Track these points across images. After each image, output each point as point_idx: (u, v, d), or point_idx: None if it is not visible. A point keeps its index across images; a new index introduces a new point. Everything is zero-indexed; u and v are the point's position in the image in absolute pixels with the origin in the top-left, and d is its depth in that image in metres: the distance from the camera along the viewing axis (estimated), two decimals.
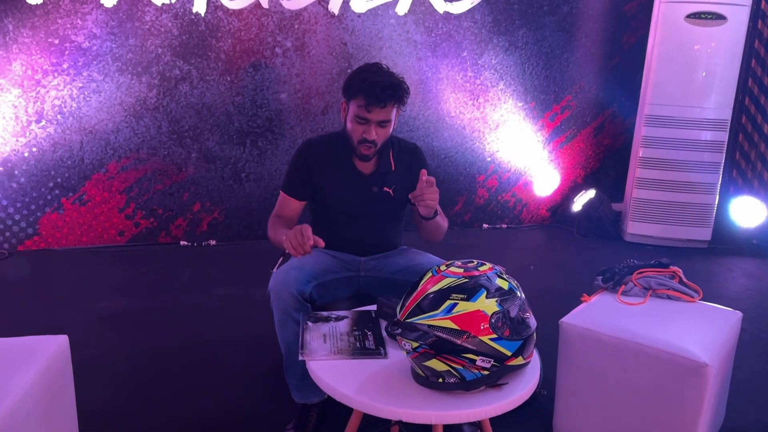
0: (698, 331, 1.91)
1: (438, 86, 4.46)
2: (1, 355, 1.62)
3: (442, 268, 1.48)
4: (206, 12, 3.92)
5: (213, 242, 4.25)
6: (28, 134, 3.85)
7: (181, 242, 4.21)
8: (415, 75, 4.38)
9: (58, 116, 3.87)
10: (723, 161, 4.20)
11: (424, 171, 1.95)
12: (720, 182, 4.22)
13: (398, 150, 2.20)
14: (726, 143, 4.18)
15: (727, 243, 4.33)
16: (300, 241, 1.82)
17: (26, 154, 3.86)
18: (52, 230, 4.00)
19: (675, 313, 2.03)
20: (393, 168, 2.18)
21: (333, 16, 4.12)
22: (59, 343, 1.73)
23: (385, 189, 2.17)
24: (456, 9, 4.32)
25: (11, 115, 3.79)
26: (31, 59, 3.74)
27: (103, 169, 4.00)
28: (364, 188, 2.16)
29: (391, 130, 2.08)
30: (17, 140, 3.84)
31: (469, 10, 4.35)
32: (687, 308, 2.07)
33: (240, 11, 3.96)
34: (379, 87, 1.95)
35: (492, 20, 4.42)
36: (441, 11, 4.30)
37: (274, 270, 2.09)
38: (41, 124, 3.85)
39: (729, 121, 4.14)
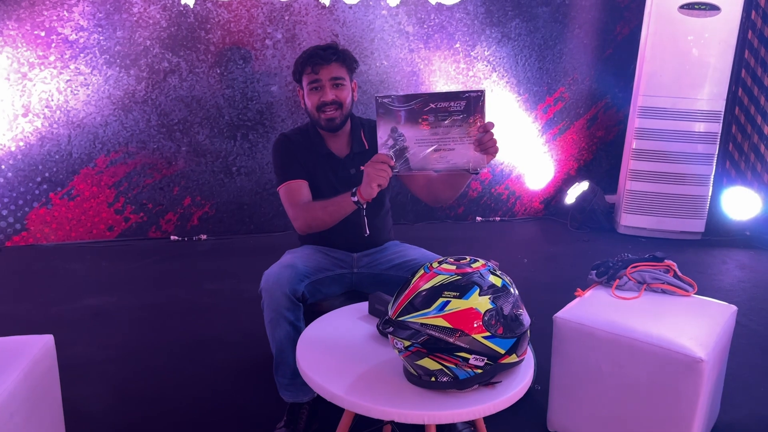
0: (693, 326, 1.89)
1: (430, 78, 4.42)
2: None
3: (435, 265, 1.45)
4: (195, 3, 3.86)
5: (204, 237, 4.21)
6: (14, 128, 3.79)
7: (172, 237, 4.17)
8: (408, 67, 4.35)
9: (45, 110, 3.81)
10: (716, 152, 4.18)
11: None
12: (713, 174, 4.22)
13: (369, 130, 2.20)
14: (719, 134, 4.17)
15: (720, 234, 4.33)
16: (380, 165, 1.78)
17: (13, 149, 3.81)
18: (40, 225, 3.95)
19: (670, 307, 2.01)
20: (367, 147, 2.18)
21: (324, 7, 4.07)
22: (44, 343, 1.69)
23: (362, 168, 2.14)
24: (448, 0, 4.28)
25: None
26: (17, 52, 3.69)
27: (91, 163, 3.95)
28: (342, 171, 2.16)
29: (349, 94, 2.11)
30: (3, 134, 3.78)
31: (462, 1, 4.31)
32: (682, 302, 2.05)
33: (229, 2, 3.91)
34: (320, 50, 2.05)
35: (485, 11, 4.38)
36: (433, 2, 4.26)
37: None
38: (28, 118, 3.80)
39: (722, 113, 4.12)
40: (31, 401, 1.58)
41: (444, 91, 1.59)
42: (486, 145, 1.75)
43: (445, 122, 1.74)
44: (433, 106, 1.72)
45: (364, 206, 1.90)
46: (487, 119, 1.76)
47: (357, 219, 1.95)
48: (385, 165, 1.78)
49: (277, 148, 2.19)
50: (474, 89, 1.72)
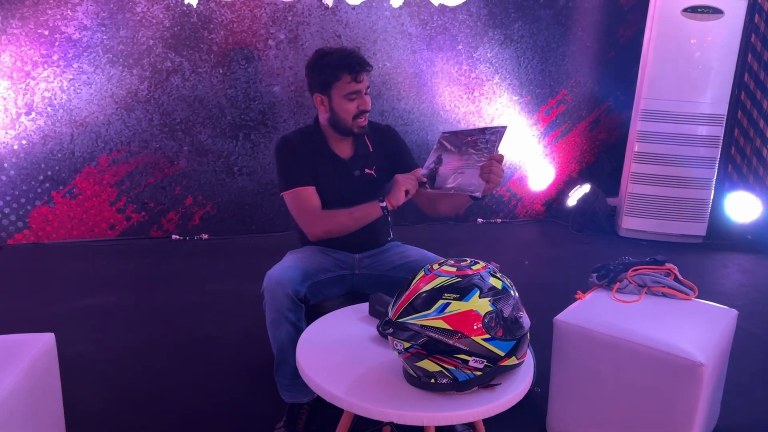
0: (694, 330, 1.89)
1: (433, 80, 4.42)
2: None
3: (435, 266, 1.45)
4: (198, 3, 3.87)
5: (205, 236, 4.21)
6: (17, 126, 3.80)
7: (173, 236, 4.18)
8: (410, 68, 4.35)
9: (48, 108, 3.82)
10: (718, 156, 4.18)
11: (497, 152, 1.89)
12: (715, 177, 4.21)
13: (372, 131, 2.22)
14: (722, 138, 4.16)
15: (722, 238, 4.33)
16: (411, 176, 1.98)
17: (16, 147, 3.82)
18: (42, 224, 3.96)
19: (670, 311, 2.01)
20: (371, 150, 2.20)
21: (327, 8, 4.08)
22: (45, 342, 1.70)
23: (367, 171, 2.19)
24: (451, 1, 4.28)
25: (0, 107, 3.74)
26: (20, 50, 3.69)
27: (94, 162, 3.96)
28: (346, 173, 2.16)
29: None
30: (6, 132, 3.79)
31: (465, 3, 4.32)
32: (682, 306, 2.05)
33: (233, 3, 3.92)
34: (355, 56, 2.03)
35: (488, 13, 4.39)
36: (436, 3, 4.26)
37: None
38: (31, 116, 3.81)
39: (725, 116, 4.12)
40: (31, 399, 1.58)
41: (481, 126, 1.85)
42: (488, 172, 1.84)
43: (472, 151, 1.89)
44: (469, 139, 1.91)
45: (390, 212, 2.02)
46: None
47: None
48: (413, 176, 1.97)
49: (282, 152, 2.15)
50: (499, 126, 1.89)
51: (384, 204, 1.98)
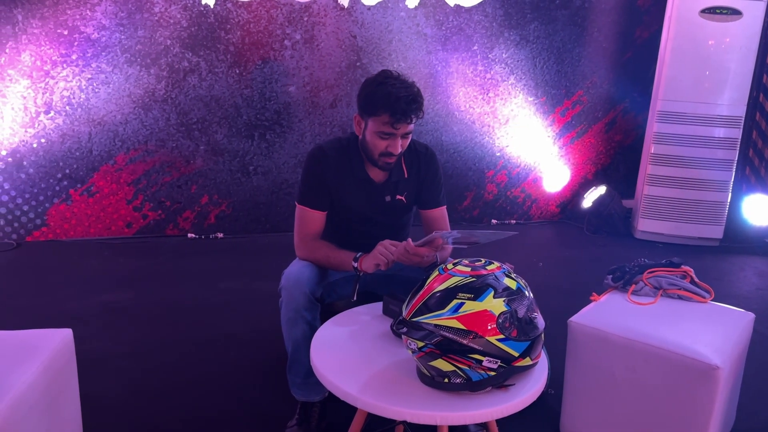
0: (709, 333, 1.87)
1: (448, 80, 4.42)
2: (5, 349, 1.61)
3: (449, 266, 1.46)
4: (215, 3, 3.89)
5: (220, 235, 4.24)
6: (36, 125, 3.85)
7: (189, 234, 4.21)
8: (425, 69, 4.35)
9: (67, 107, 3.86)
10: (736, 158, 4.14)
11: (409, 241, 1.88)
12: (732, 180, 4.17)
13: (410, 155, 2.13)
14: (739, 140, 4.12)
15: (739, 241, 4.29)
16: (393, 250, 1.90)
17: (35, 145, 3.87)
18: (60, 221, 4.01)
19: (686, 313, 2.00)
20: (406, 176, 2.13)
21: (343, 8, 4.09)
22: (63, 337, 1.72)
23: (398, 197, 2.13)
24: (467, 2, 4.28)
25: (20, 105, 3.79)
26: (40, 50, 3.74)
27: (111, 160, 4.00)
28: (377, 197, 2.11)
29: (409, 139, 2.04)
30: (26, 131, 3.84)
31: (480, 3, 4.31)
32: (698, 309, 2.04)
33: (249, 3, 3.94)
34: (403, 102, 1.89)
35: (503, 13, 4.38)
36: (452, 4, 4.26)
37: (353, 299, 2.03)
38: (50, 115, 3.85)
39: (743, 118, 4.08)
40: (50, 392, 1.61)
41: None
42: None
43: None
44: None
45: (361, 275, 1.97)
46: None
47: (377, 232, 2.02)
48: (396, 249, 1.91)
49: (309, 165, 2.10)
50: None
51: (356, 264, 1.95)
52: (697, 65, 4.02)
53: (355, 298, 1.96)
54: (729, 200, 4.20)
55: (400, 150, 1.98)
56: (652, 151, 4.25)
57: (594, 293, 2.14)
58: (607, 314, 1.99)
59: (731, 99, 4.04)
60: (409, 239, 1.88)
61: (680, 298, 2.09)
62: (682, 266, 2.19)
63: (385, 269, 1.92)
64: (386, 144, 1.96)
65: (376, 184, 2.11)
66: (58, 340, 1.69)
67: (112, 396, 2.29)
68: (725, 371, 1.73)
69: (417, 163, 2.15)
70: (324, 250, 2.04)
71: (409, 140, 2.03)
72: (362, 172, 2.09)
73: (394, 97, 1.88)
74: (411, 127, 1.97)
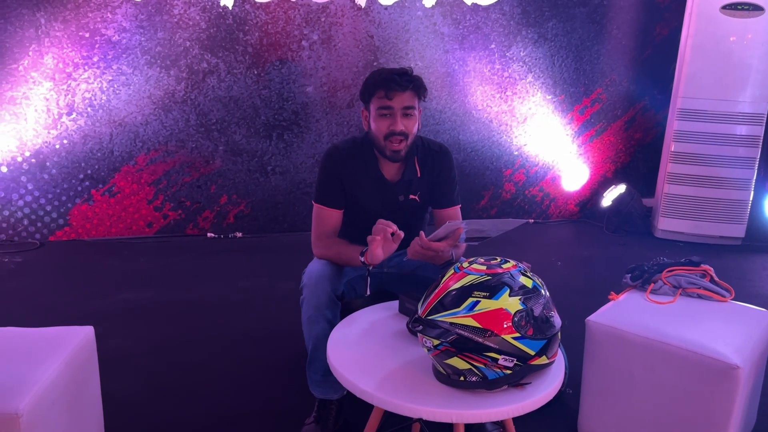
0: (729, 332, 1.85)
1: (465, 79, 4.41)
2: (28, 346, 1.64)
3: (465, 265, 1.46)
4: (234, 5, 3.93)
5: (239, 234, 4.28)
6: (59, 126, 3.91)
7: (208, 234, 4.25)
8: (442, 68, 4.35)
9: (89, 109, 3.92)
10: (758, 156, 4.08)
11: (422, 234, 1.88)
12: (755, 178, 4.11)
13: (423, 154, 2.14)
14: (762, 138, 4.06)
15: (761, 240, 4.22)
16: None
17: (57, 146, 3.93)
18: (82, 221, 4.07)
19: (705, 312, 1.97)
20: (419, 175, 2.13)
21: (360, 8, 4.10)
22: (85, 334, 1.75)
23: (411, 196, 2.13)
24: (484, 0, 4.27)
25: (43, 107, 3.85)
26: (62, 52, 3.80)
27: (132, 161, 4.05)
28: (390, 196, 2.12)
29: (416, 124, 2.04)
30: (49, 132, 3.90)
31: (498, 2, 4.29)
32: (718, 308, 2.01)
33: (267, 4, 3.97)
34: (396, 74, 1.96)
35: (521, 11, 4.36)
36: (469, 2, 4.25)
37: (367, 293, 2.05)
38: (72, 116, 3.91)
39: (765, 115, 4.02)
40: (72, 389, 1.64)
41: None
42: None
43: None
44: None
45: (370, 268, 1.96)
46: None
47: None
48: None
49: (325, 164, 2.12)
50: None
51: (362, 259, 1.94)
52: (718, 62, 3.98)
53: (368, 293, 1.97)
54: (751, 198, 4.15)
55: (402, 128, 1.97)
56: (673, 149, 4.20)
57: (612, 292, 2.12)
58: (626, 313, 1.97)
59: (753, 96, 3.98)
60: (422, 233, 1.88)
61: (700, 297, 2.07)
62: (702, 265, 2.16)
63: (387, 256, 1.90)
64: (388, 123, 1.97)
65: (390, 183, 2.11)
66: (80, 338, 1.72)
67: (132, 393, 2.32)
68: (745, 371, 1.71)
69: (431, 162, 2.15)
70: (337, 246, 2.05)
71: (415, 123, 2.03)
72: (376, 170, 2.10)
73: (385, 72, 1.98)
74: (411, 101, 1.98)
